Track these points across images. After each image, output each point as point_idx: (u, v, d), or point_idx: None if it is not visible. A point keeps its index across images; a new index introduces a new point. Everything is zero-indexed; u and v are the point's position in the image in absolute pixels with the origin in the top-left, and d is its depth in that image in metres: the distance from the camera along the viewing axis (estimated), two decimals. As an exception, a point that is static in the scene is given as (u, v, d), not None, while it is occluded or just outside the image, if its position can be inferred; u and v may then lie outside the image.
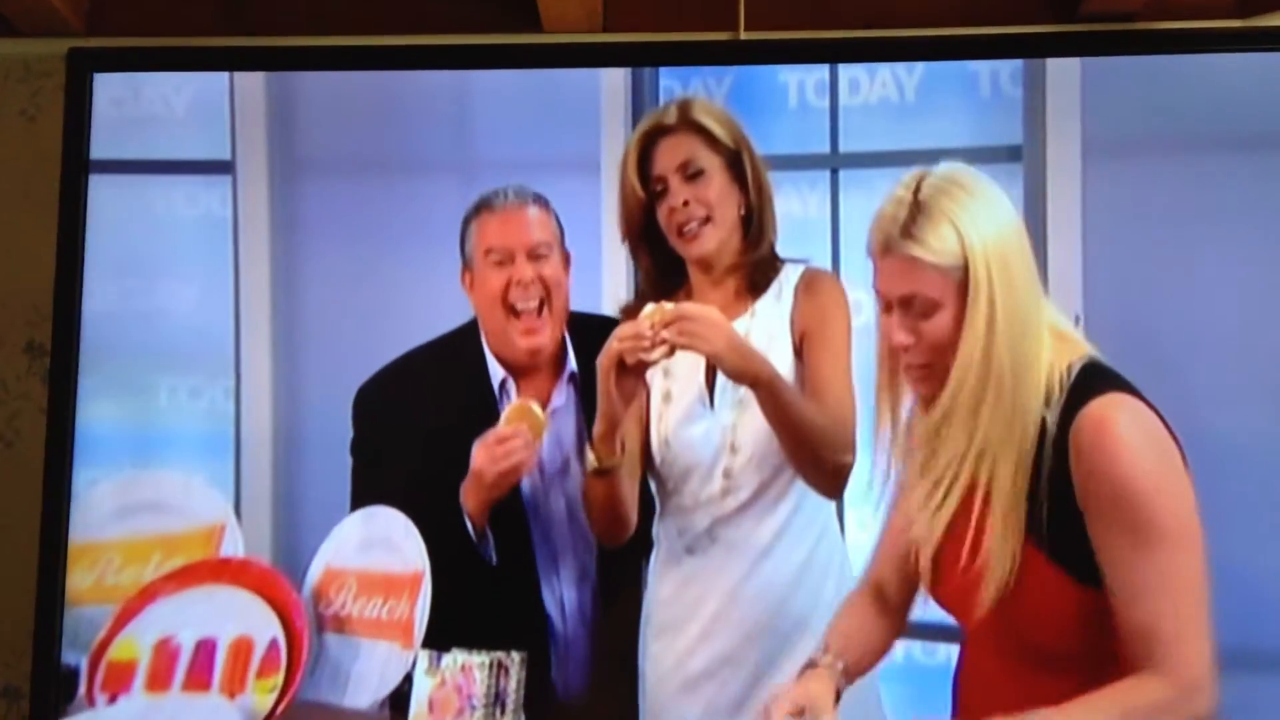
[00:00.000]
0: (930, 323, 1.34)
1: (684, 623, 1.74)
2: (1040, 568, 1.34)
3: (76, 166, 1.64)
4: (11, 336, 1.72)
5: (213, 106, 1.81)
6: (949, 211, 1.33)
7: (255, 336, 1.83)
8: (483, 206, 1.83)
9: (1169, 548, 1.29)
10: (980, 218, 1.33)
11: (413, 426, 1.82)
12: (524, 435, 1.75)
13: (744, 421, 1.73)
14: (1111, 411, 1.31)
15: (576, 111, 1.88)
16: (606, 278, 1.85)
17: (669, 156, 1.73)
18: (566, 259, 1.86)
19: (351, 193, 1.86)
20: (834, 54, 1.84)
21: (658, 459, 1.76)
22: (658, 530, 1.79)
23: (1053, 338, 1.37)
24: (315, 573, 1.79)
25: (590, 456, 1.69)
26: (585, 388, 1.83)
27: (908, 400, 1.42)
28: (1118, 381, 1.36)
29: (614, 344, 1.62)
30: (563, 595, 1.83)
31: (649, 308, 1.63)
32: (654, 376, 1.75)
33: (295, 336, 1.85)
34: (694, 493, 1.74)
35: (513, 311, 1.80)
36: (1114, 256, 1.81)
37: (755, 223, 1.75)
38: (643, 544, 1.78)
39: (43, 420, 1.62)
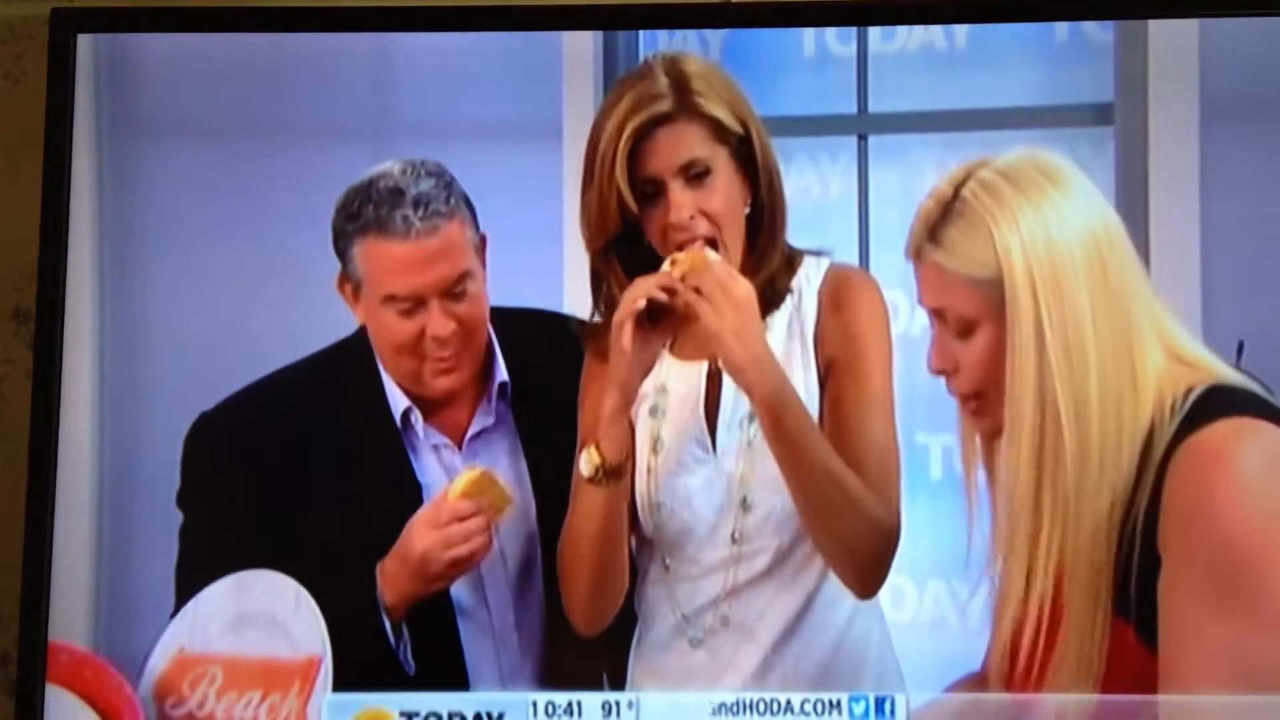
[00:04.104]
0: (967, 345, 1.22)
1: None
2: (1134, 654, 1.15)
3: (60, 130, 1.52)
4: (-3, 303, 1.68)
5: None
6: (988, 214, 1.19)
7: (70, 349, 1.50)
8: (374, 228, 1.41)
9: (1260, 626, 1.10)
10: (1029, 222, 1.19)
11: (274, 475, 1.46)
12: (486, 515, 1.40)
13: (756, 471, 1.40)
14: (1229, 438, 1.13)
15: (531, 68, 1.53)
16: (570, 268, 1.47)
17: (668, 154, 1.38)
18: (483, 250, 1.47)
19: (217, 163, 1.54)
20: (856, 17, 1.52)
21: (645, 525, 1.42)
22: (641, 605, 1.45)
23: (1171, 362, 1.19)
24: (161, 660, 1.44)
25: (587, 455, 1.36)
26: (521, 400, 1.47)
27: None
28: (1257, 405, 1.16)
29: (629, 298, 1.37)
30: (503, 677, 1.47)
31: (676, 256, 1.36)
32: (640, 417, 1.41)
33: (129, 350, 1.53)
34: (693, 559, 1.41)
35: (424, 356, 1.44)
36: (1240, 248, 1.45)
37: (766, 222, 1.41)
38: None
39: (29, 386, 1.52)
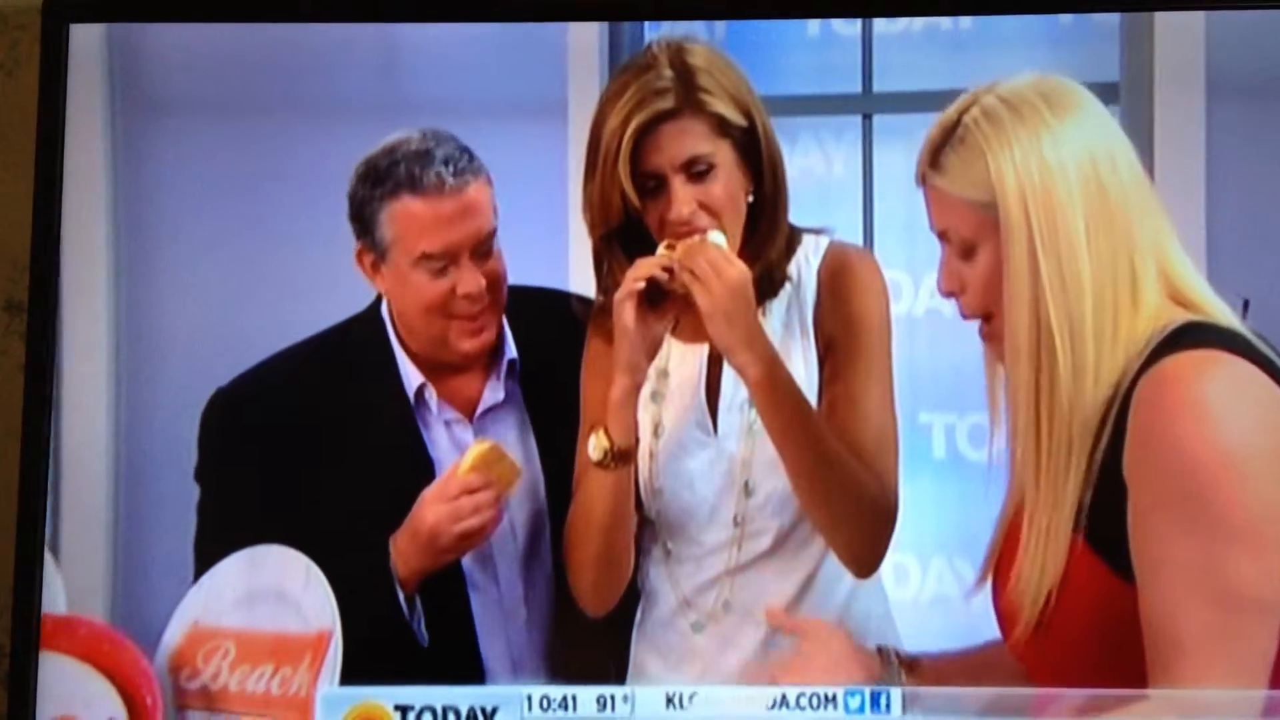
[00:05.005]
0: (971, 265, 1.23)
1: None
2: (1086, 567, 1.16)
3: (53, 120, 1.51)
4: (-10, 295, 1.67)
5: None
6: (985, 139, 1.20)
7: (83, 325, 1.50)
8: (405, 187, 1.41)
9: (1224, 542, 1.10)
10: (1024, 147, 1.19)
11: (289, 450, 1.46)
12: (496, 488, 1.41)
13: (757, 453, 1.39)
14: (1191, 367, 1.13)
15: (536, 52, 1.52)
16: (574, 249, 1.47)
17: (671, 150, 1.36)
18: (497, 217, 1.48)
19: (225, 142, 1.54)
20: (863, 6, 1.50)
21: (647, 508, 1.42)
22: (644, 585, 1.45)
23: (1165, 298, 1.19)
24: (176, 633, 1.44)
25: (595, 440, 1.36)
26: (529, 377, 1.47)
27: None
28: (1229, 340, 1.15)
29: (629, 279, 1.36)
30: (513, 655, 1.47)
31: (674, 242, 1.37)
32: (640, 402, 1.40)
33: (144, 322, 1.53)
34: (695, 540, 1.41)
35: (452, 315, 1.44)
36: (1244, 229, 1.44)
37: (767, 211, 1.40)
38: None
39: (21, 378, 1.51)
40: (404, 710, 1.37)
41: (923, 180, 1.25)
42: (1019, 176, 1.18)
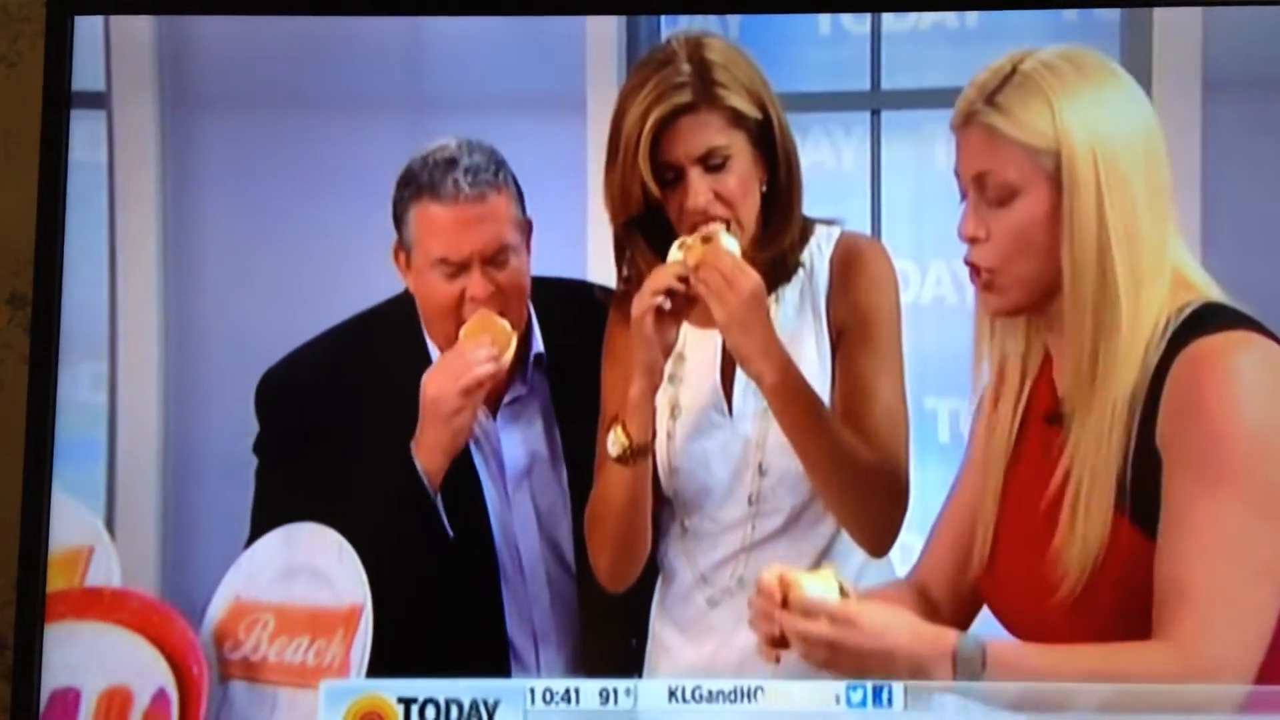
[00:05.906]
0: (1005, 213, 1.20)
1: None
2: (1127, 539, 1.18)
3: (57, 113, 1.52)
4: (-7, 288, 1.68)
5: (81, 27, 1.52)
6: (1049, 87, 1.18)
7: (137, 309, 1.55)
8: (427, 191, 1.47)
9: (1241, 505, 1.13)
10: (1089, 105, 1.18)
11: (333, 421, 1.52)
12: (488, 348, 1.45)
13: (771, 435, 1.43)
14: (1226, 347, 1.16)
15: (556, 46, 1.57)
16: (593, 240, 1.53)
17: (689, 142, 1.40)
18: (528, 231, 1.52)
19: (268, 134, 1.58)
20: (870, 3, 1.54)
21: (664, 487, 1.46)
22: (663, 561, 1.49)
23: (1174, 282, 1.20)
24: (219, 607, 1.50)
25: (614, 436, 1.40)
26: (555, 369, 1.51)
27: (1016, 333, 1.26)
28: (1247, 321, 1.19)
29: (648, 291, 1.38)
30: (536, 634, 1.53)
31: (687, 240, 1.40)
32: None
33: (192, 310, 1.57)
34: (711, 518, 1.45)
35: (463, 322, 1.49)
36: (1241, 224, 1.46)
37: (781, 202, 1.43)
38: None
39: (25, 371, 1.53)
40: (407, 703, 1.37)
41: (967, 119, 1.21)
42: (1089, 129, 1.16)
